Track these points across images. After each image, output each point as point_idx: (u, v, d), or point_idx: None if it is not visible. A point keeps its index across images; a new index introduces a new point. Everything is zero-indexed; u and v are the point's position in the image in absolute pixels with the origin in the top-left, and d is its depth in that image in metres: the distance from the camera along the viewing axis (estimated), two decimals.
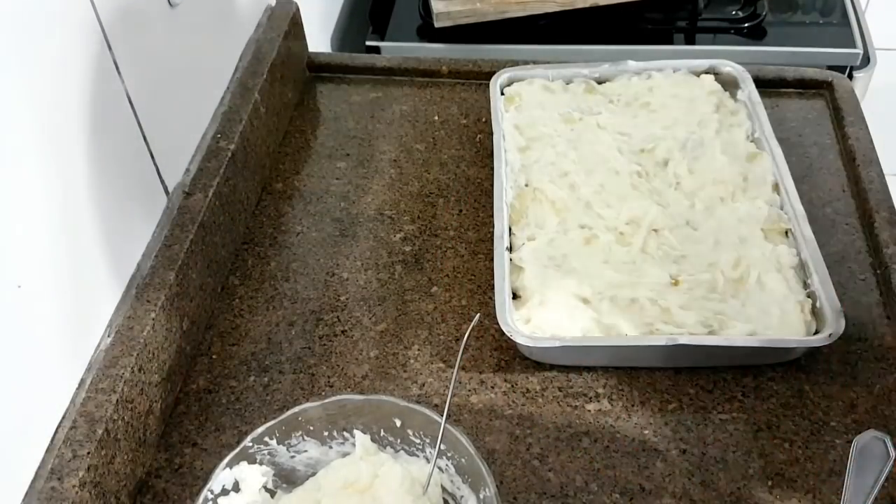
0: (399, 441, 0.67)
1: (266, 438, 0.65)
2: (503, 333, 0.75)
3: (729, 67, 1.01)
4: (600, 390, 0.76)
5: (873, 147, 0.96)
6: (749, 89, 0.98)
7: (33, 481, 0.62)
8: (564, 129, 0.96)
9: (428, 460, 0.66)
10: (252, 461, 0.64)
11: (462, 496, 0.65)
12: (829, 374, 0.77)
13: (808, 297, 0.78)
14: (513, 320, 0.76)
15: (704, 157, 0.91)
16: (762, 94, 0.98)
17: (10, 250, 0.59)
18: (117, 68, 0.71)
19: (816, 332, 0.75)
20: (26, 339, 0.61)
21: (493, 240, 0.83)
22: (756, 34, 1.26)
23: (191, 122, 0.87)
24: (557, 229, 0.85)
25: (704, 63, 1.02)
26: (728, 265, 0.80)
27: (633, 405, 0.75)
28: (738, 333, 0.75)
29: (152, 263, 0.77)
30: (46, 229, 0.63)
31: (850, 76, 1.23)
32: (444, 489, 0.66)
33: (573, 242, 0.84)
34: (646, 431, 0.73)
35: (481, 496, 0.62)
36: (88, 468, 0.63)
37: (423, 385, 0.78)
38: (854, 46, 1.25)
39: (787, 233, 0.84)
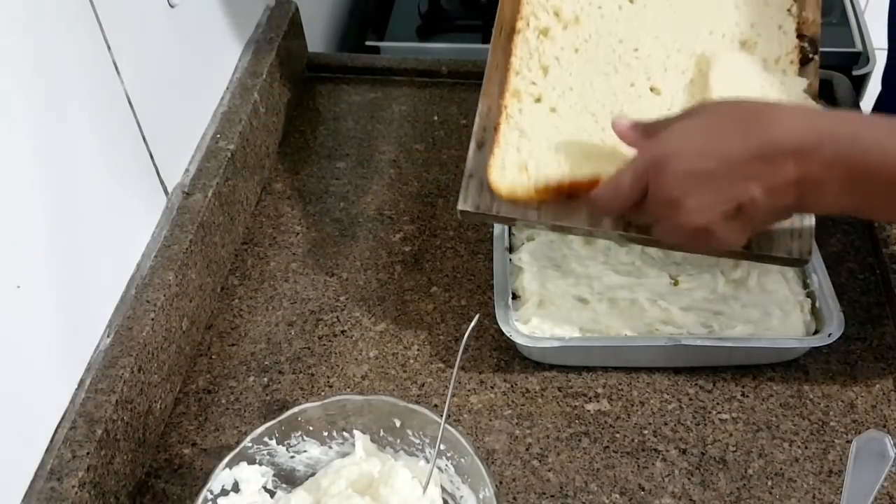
0: (399, 441, 0.67)
1: (266, 438, 0.65)
2: (503, 333, 0.75)
3: None
4: (600, 390, 0.76)
5: None
6: None
7: (33, 481, 0.62)
8: None
9: (427, 460, 0.66)
10: (252, 461, 0.64)
11: (462, 496, 0.65)
12: (829, 374, 0.77)
13: (808, 297, 0.78)
14: (512, 320, 0.76)
15: None
16: None
17: (9, 250, 0.59)
18: (117, 68, 0.71)
19: (816, 332, 0.75)
20: (26, 339, 0.61)
21: (492, 240, 0.83)
22: None
23: (190, 123, 0.87)
24: None
25: None
26: (728, 265, 0.80)
27: (632, 405, 0.75)
28: (738, 334, 0.75)
29: (152, 263, 0.77)
30: (46, 229, 0.63)
31: (850, 75, 1.22)
32: (443, 489, 0.66)
33: (573, 243, 0.84)
34: (645, 431, 0.73)
35: (481, 496, 0.62)
36: (88, 468, 0.63)
37: (423, 385, 0.77)
38: (853, 46, 1.25)
39: None
